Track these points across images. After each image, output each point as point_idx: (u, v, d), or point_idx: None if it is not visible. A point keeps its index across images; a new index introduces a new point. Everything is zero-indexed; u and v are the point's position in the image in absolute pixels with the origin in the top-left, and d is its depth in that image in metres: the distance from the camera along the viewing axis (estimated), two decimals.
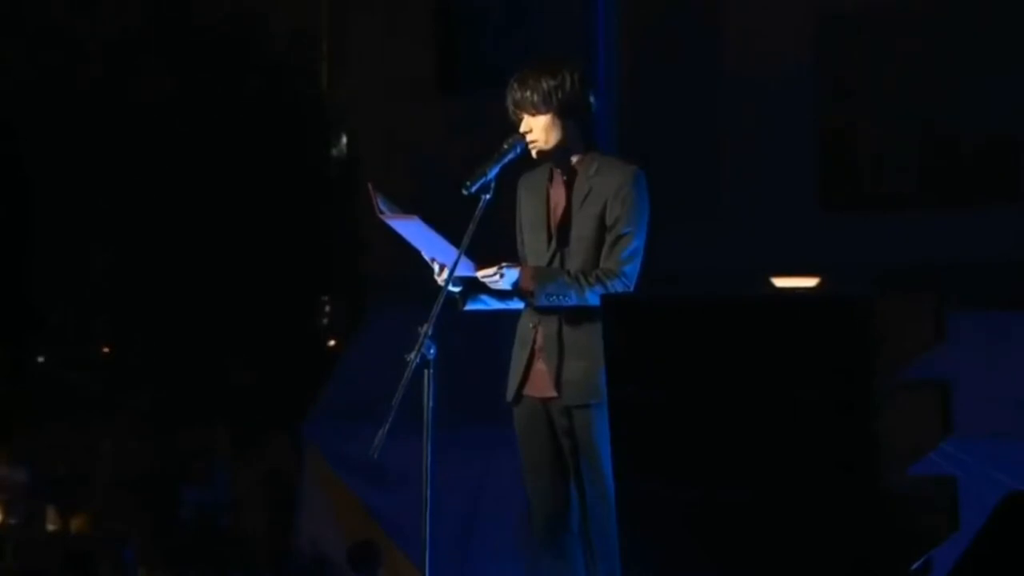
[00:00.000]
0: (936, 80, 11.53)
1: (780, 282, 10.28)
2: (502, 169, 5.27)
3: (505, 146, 5.31)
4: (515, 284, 5.25)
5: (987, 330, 8.66)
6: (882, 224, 11.34)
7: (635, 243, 5.27)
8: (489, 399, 5.81)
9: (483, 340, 6.39)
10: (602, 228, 5.29)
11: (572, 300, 5.23)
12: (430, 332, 5.09)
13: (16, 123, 14.23)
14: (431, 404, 5.14)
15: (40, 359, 15.17)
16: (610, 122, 10.07)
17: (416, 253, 5.34)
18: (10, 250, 14.17)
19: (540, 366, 5.35)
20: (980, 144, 11.55)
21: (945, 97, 11.53)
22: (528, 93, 5.29)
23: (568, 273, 5.27)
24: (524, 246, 5.47)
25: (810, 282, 10.18)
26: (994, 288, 9.47)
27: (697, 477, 4.35)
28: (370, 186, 5.23)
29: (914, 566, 4.33)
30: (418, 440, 5.13)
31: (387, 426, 4.98)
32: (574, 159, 5.37)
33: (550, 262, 5.35)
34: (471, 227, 5.18)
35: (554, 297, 5.23)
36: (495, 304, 5.43)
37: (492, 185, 5.23)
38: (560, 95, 5.29)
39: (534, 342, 5.36)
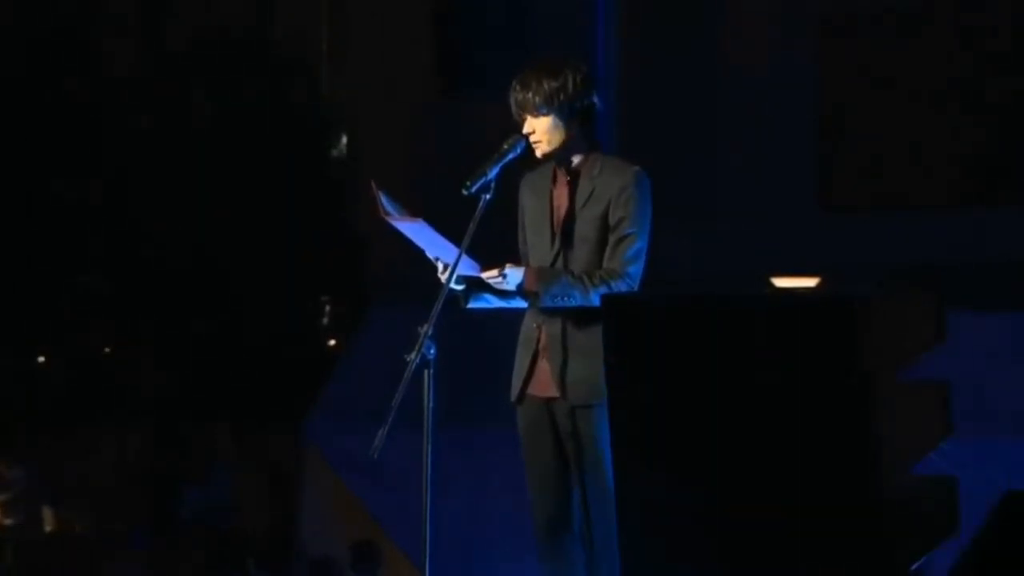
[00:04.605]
0: (936, 80, 11.52)
1: (780, 282, 10.25)
2: (502, 169, 5.27)
3: (505, 146, 5.32)
4: (519, 285, 5.25)
5: (987, 330, 8.66)
6: (882, 224, 11.32)
7: (639, 243, 5.27)
8: (489, 399, 5.81)
9: (483, 340, 6.39)
10: (605, 228, 5.29)
11: (576, 300, 5.23)
12: (430, 332, 5.09)
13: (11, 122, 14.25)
14: (431, 404, 5.14)
15: (40, 359, 15.17)
16: (610, 122, 10.05)
17: (418, 252, 5.34)
18: (9, 250, 14.16)
19: (544, 365, 5.36)
20: (981, 144, 11.54)
21: (945, 97, 11.52)
22: (530, 94, 5.29)
23: (572, 274, 5.27)
24: (527, 245, 5.47)
25: (810, 282, 10.15)
26: (994, 288, 9.46)
27: (697, 477, 4.36)
28: (372, 184, 5.23)
29: (914, 566, 4.33)
30: (418, 440, 5.13)
31: (387, 426, 4.98)
32: (577, 159, 5.37)
33: (554, 262, 5.35)
34: (472, 227, 5.18)
35: (558, 298, 5.24)
36: (497, 303, 5.44)
37: (492, 185, 5.23)
38: (563, 96, 5.28)
39: (538, 342, 5.37)
